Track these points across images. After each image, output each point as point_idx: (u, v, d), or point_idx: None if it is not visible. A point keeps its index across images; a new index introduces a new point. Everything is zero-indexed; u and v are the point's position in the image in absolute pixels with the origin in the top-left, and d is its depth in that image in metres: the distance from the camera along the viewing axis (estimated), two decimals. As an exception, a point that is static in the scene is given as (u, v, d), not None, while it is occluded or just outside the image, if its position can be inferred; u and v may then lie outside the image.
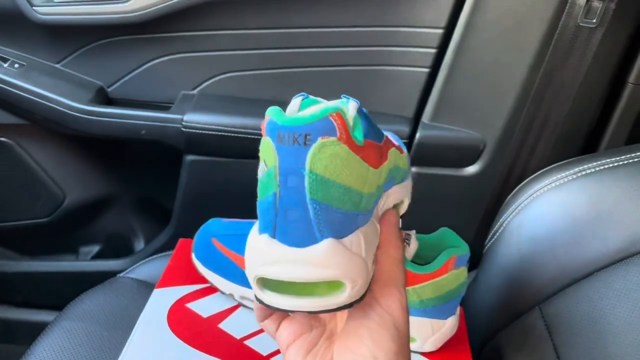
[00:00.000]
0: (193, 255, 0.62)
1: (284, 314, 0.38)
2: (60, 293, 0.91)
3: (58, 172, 0.95)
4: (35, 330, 0.70)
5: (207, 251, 0.60)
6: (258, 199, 0.32)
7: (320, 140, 0.30)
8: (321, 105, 0.32)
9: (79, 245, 1.04)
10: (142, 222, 1.05)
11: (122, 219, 1.04)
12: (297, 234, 0.31)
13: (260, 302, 0.34)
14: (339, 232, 0.31)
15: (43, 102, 0.83)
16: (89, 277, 0.95)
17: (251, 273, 0.32)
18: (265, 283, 0.33)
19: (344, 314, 0.37)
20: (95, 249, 1.04)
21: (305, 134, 0.29)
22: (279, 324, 0.38)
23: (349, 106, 0.32)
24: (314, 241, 0.31)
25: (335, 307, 0.33)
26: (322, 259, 0.31)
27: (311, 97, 0.34)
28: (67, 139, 0.93)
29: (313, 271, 0.31)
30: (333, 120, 0.30)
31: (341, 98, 0.34)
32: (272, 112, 0.31)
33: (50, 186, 0.95)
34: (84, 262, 0.99)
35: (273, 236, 0.31)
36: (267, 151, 0.31)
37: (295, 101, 0.34)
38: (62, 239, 1.02)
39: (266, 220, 0.31)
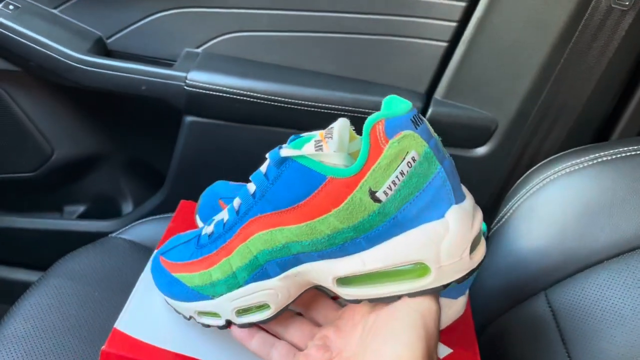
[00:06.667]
0: (197, 218, 0.59)
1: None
2: (42, 252, 0.88)
3: (48, 125, 0.90)
4: (14, 289, 0.66)
5: (213, 213, 0.57)
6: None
7: None
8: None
9: (63, 203, 1.00)
10: (132, 184, 1.01)
11: (110, 180, 1.00)
12: None
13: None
14: None
15: (37, 47, 0.78)
16: (74, 237, 0.92)
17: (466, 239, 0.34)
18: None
19: (355, 330, 0.36)
20: (80, 208, 1.00)
21: None
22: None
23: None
24: None
25: None
26: None
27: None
28: (60, 90, 0.88)
29: None
30: None
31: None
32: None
33: (38, 139, 0.90)
34: (70, 221, 0.95)
35: None
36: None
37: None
38: (46, 196, 0.98)
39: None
